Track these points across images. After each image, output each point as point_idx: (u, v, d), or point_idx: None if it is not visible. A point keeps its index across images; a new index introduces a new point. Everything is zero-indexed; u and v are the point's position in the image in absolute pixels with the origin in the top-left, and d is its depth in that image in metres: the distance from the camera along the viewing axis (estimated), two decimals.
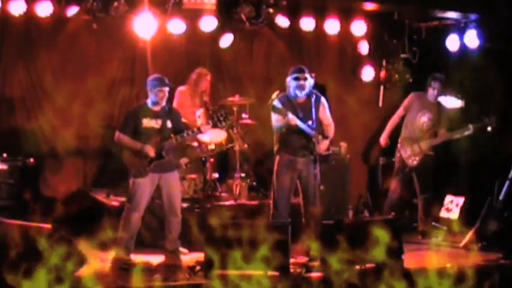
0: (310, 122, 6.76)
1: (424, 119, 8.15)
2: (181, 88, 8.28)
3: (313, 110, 6.78)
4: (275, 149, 7.09)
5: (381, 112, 9.81)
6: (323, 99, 7.06)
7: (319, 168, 6.75)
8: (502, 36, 9.28)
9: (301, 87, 6.79)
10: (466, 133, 8.11)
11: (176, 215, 6.75)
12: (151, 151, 6.56)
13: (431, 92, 8.21)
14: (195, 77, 8.28)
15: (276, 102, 6.74)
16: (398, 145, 8.25)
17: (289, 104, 6.82)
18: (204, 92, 8.28)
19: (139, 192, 6.60)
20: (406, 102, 8.33)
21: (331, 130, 7.11)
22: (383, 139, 8.35)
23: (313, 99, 6.82)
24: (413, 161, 8.11)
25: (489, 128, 8.12)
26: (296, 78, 6.80)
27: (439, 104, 8.27)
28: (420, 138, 8.12)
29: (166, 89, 6.68)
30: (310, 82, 6.86)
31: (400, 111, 8.33)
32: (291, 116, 6.65)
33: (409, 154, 8.12)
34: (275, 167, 7.01)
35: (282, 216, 6.78)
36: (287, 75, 7.43)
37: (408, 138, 8.17)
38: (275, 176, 7.00)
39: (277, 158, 7.02)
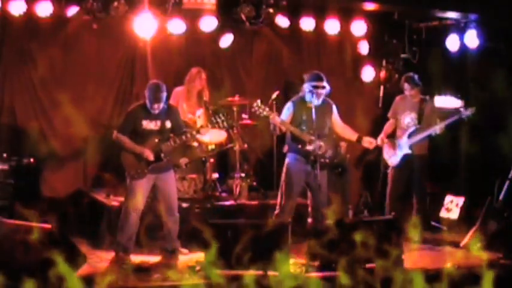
0: (311, 126, 6.89)
1: (407, 119, 8.08)
2: (177, 89, 8.28)
3: (314, 115, 6.89)
4: (284, 150, 7.23)
5: (381, 112, 9.80)
6: (334, 106, 7.26)
7: (319, 169, 6.84)
8: (502, 36, 9.28)
9: (318, 96, 6.97)
10: (437, 129, 7.88)
11: (173, 215, 6.74)
12: (151, 156, 6.56)
13: (406, 93, 8.17)
14: (189, 77, 8.29)
15: (289, 104, 7.04)
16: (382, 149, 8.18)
17: (302, 106, 6.99)
18: (202, 91, 8.28)
19: (136, 193, 6.59)
20: (391, 108, 8.32)
21: (348, 131, 7.36)
22: (380, 139, 8.10)
23: (322, 105, 7.04)
24: (393, 161, 8.07)
25: (464, 117, 7.96)
26: (315, 87, 6.94)
27: (423, 102, 8.13)
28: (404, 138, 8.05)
29: (161, 103, 6.63)
30: (326, 90, 7.03)
31: (390, 121, 8.28)
32: (272, 116, 6.88)
33: (389, 154, 8.08)
34: (284, 168, 7.14)
35: (287, 216, 6.83)
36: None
37: (391, 140, 8.11)
38: (284, 176, 7.12)
39: (286, 158, 7.15)
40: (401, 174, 8.06)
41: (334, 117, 7.28)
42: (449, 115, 8.09)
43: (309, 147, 6.90)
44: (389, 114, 8.31)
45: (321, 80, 6.98)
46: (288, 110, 7.10)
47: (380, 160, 8.51)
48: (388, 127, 8.25)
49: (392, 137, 8.20)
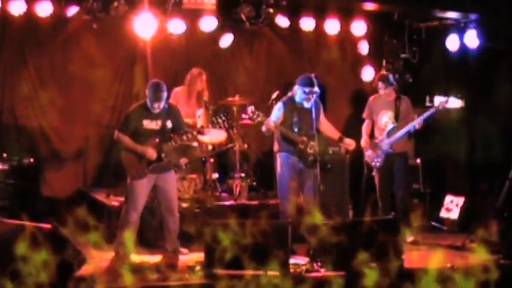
0: (302, 127, 6.98)
1: (385, 118, 7.96)
2: (176, 89, 8.27)
3: (313, 115, 6.99)
4: (275, 149, 7.26)
5: None
6: (321, 105, 7.31)
7: (318, 168, 6.89)
8: (502, 36, 9.29)
9: (308, 100, 7.04)
10: (416, 124, 7.77)
11: (173, 215, 6.74)
12: (154, 154, 6.55)
13: (380, 92, 8.04)
14: (189, 78, 8.29)
15: (280, 105, 7.09)
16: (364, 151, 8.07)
17: (292, 106, 7.06)
18: (202, 91, 8.28)
19: (136, 192, 6.59)
20: (366, 109, 8.16)
21: (331, 131, 7.37)
22: (364, 142, 8.00)
23: (313, 106, 7.05)
24: (377, 163, 7.93)
25: (441, 108, 7.86)
26: (306, 92, 7.00)
27: (398, 100, 7.98)
28: (384, 138, 7.91)
29: (162, 102, 6.63)
30: (317, 93, 7.09)
31: (366, 122, 8.12)
32: (266, 121, 6.94)
33: (372, 157, 7.95)
34: (278, 168, 7.19)
35: (290, 215, 6.88)
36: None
37: (372, 142, 7.97)
38: (278, 176, 7.18)
39: (278, 158, 7.19)
40: (386, 174, 7.94)
41: (321, 117, 7.34)
42: (425, 110, 8.02)
43: (301, 147, 6.98)
44: (364, 115, 8.16)
45: (312, 85, 7.03)
46: (278, 110, 7.15)
47: (362, 163, 8.32)
48: (366, 128, 8.10)
49: (370, 137, 8.06)
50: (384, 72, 8.33)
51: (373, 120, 8.07)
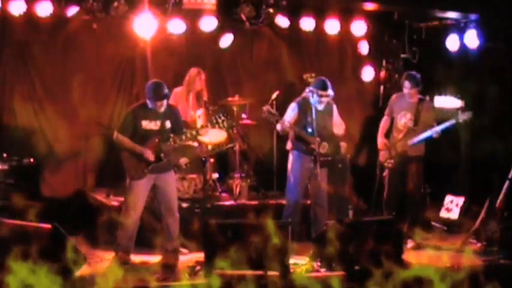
0: (315, 128, 7.19)
1: (403, 120, 7.88)
2: (176, 89, 8.27)
3: (325, 117, 7.33)
4: (288, 147, 7.49)
5: (381, 112, 9.79)
6: (334, 106, 7.57)
7: (319, 168, 7.09)
8: (502, 36, 9.29)
9: (322, 103, 7.30)
10: (433, 133, 7.72)
11: (173, 215, 6.74)
12: (151, 156, 6.55)
13: (405, 92, 7.91)
14: (188, 78, 8.29)
15: (294, 105, 7.35)
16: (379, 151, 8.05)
17: (306, 107, 7.30)
18: (201, 91, 8.28)
19: (136, 193, 6.59)
20: (388, 107, 8.12)
21: (341, 128, 7.63)
22: (380, 144, 8.02)
23: (325, 107, 7.37)
24: (389, 164, 7.85)
25: (461, 121, 7.77)
26: (319, 95, 7.23)
27: (421, 103, 7.88)
28: (400, 139, 7.85)
29: (165, 101, 6.63)
30: (330, 96, 7.35)
31: (385, 118, 8.10)
32: (282, 121, 7.16)
33: (385, 157, 7.90)
34: (289, 165, 7.43)
35: (295, 214, 7.07)
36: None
37: (388, 142, 7.93)
38: (288, 172, 7.42)
39: (290, 155, 7.44)
40: (398, 176, 7.89)
41: (335, 118, 7.57)
42: (445, 119, 7.90)
43: (314, 147, 7.16)
44: (386, 112, 8.14)
45: (326, 89, 7.25)
46: (292, 111, 7.36)
47: (375, 165, 8.27)
48: (384, 125, 8.06)
49: (386, 136, 8.03)
50: (412, 72, 8.16)
51: (393, 118, 8.01)
